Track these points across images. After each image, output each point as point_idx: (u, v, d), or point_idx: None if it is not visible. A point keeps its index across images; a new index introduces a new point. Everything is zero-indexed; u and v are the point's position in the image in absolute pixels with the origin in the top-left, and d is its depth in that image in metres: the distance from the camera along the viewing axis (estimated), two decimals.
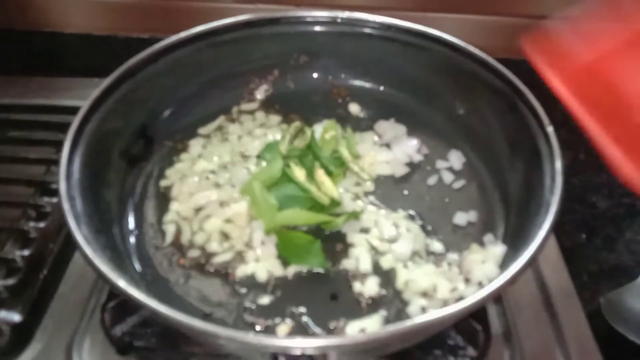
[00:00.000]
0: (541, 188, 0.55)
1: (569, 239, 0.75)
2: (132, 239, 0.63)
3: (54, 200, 0.70)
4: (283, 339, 0.50)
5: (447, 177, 0.69)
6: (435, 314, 0.45)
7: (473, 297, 0.45)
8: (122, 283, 0.48)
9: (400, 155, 0.71)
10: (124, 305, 0.59)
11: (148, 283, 0.59)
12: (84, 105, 0.60)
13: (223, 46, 0.73)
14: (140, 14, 1.02)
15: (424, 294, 0.57)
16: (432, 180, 0.69)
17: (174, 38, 0.70)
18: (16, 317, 0.61)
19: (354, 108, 0.77)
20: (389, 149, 0.72)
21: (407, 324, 0.44)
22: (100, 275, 0.48)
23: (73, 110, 0.61)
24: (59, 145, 0.76)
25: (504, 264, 0.57)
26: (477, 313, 0.57)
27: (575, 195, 0.83)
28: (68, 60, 1.02)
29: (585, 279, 0.72)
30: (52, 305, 0.63)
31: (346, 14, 0.73)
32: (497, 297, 0.63)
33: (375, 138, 0.73)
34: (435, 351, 0.56)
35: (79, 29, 1.04)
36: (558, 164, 0.54)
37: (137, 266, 0.61)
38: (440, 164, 0.70)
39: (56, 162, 0.73)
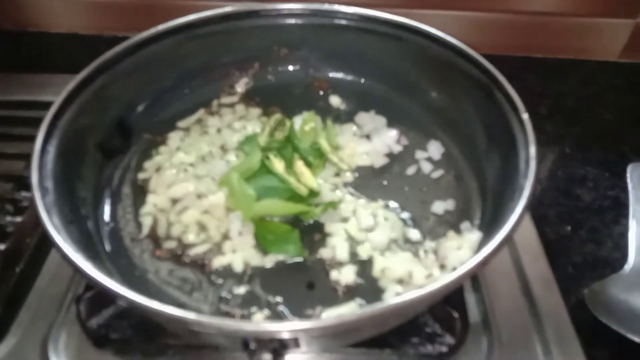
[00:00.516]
0: (516, 174, 0.54)
1: (554, 231, 0.75)
2: (108, 231, 0.62)
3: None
4: (252, 323, 0.50)
5: (426, 167, 0.69)
6: (406, 296, 0.44)
7: (445, 278, 0.45)
8: (94, 272, 0.47)
9: (379, 146, 0.70)
10: (100, 297, 0.58)
11: (123, 274, 0.58)
12: (59, 96, 0.60)
13: (202, 39, 0.73)
14: (127, 13, 1.02)
15: (400, 281, 0.56)
16: (411, 170, 0.69)
17: (152, 31, 0.70)
18: None
19: (335, 100, 0.77)
20: (369, 140, 0.71)
21: (377, 306, 0.44)
22: (72, 265, 0.48)
23: None
24: None
25: (479, 250, 0.56)
26: (455, 300, 0.56)
27: (561, 188, 0.83)
28: (54, 60, 1.02)
29: (570, 271, 0.71)
30: (29, 300, 0.62)
31: (325, 6, 0.73)
32: (474, 281, 0.63)
33: (355, 129, 0.73)
34: (412, 339, 0.56)
35: (64, 29, 1.05)
36: (532, 149, 0.54)
37: (112, 258, 0.60)
38: (420, 154, 0.70)
39: None
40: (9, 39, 1.03)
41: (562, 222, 0.77)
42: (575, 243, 0.75)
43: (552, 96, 0.97)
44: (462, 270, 0.46)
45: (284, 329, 0.43)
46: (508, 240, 0.48)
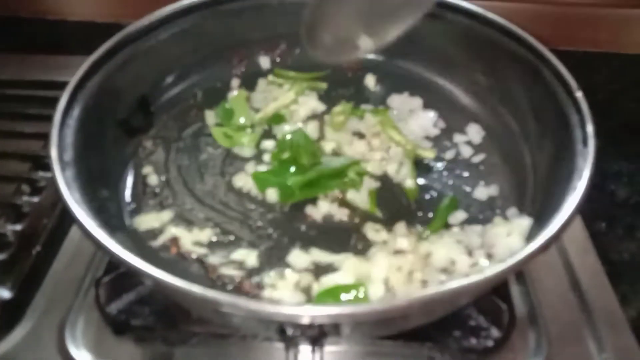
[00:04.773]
0: (571, 155, 0.51)
1: (589, 227, 0.71)
2: (128, 212, 0.60)
3: (49, 175, 0.67)
4: (291, 306, 0.46)
5: (466, 151, 0.66)
6: (458, 282, 0.41)
7: (499, 265, 0.41)
8: (118, 249, 0.44)
9: (416, 129, 0.67)
10: (120, 281, 0.55)
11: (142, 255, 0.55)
12: (82, 66, 0.58)
13: (228, 16, 0.70)
14: (144, 2, 1.00)
15: (444, 270, 0.53)
16: (450, 154, 0.66)
17: (177, 5, 0.67)
18: (6, 294, 0.58)
19: (367, 82, 0.74)
20: (405, 123, 0.68)
21: (428, 291, 0.40)
22: (95, 242, 0.45)
23: None
24: None
25: (530, 238, 0.52)
26: (501, 291, 0.53)
27: (594, 183, 0.79)
28: (71, 47, 0.99)
29: (607, 269, 0.67)
30: (45, 283, 0.60)
31: None
32: (518, 273, 0.59)
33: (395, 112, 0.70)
34: (455, 332, 0.52)
35: (82, 17, 1.03)
36: (590, 128, 0.51)
37: (132, 237, 0.57)
38: (458, 137, 0.67)
39: None
40: (27, 27, 1.01)
41: (596, 219, 0.74)
42: (611, 240, 0.71)
43: (583, 89, 0.94)
44: (518, 257, 0.42)
45: (328, 313, 0.40)
46: (567, 226, 0.44)
